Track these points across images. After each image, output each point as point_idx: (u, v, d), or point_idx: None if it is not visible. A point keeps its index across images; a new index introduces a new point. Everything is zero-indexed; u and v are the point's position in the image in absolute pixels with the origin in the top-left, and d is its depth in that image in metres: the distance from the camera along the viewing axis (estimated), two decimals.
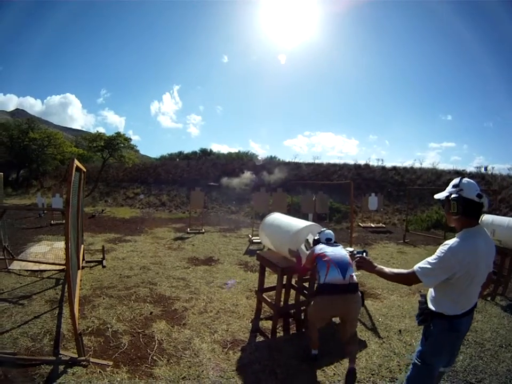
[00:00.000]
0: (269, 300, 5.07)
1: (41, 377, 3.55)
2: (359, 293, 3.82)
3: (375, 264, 2.73)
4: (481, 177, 20.46)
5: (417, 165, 24.14)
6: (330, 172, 23.85)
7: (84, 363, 3.78)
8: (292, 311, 5.30)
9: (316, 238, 4.32)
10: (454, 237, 2.47)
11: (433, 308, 2.53)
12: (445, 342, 2.52)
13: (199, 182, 20.77)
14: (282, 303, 5.12)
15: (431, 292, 2.60)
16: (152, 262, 8.20)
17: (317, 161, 26.69)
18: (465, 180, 2.50)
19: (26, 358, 3.84)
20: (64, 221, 4.38)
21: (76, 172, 5.07)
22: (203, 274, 7.42)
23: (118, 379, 3.58)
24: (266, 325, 5.06)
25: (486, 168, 22.39)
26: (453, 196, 2.46)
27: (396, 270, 2.64)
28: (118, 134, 24.78)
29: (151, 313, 5.30)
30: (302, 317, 5.16)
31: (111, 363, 3.87)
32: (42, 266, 7.19)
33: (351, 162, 25.12)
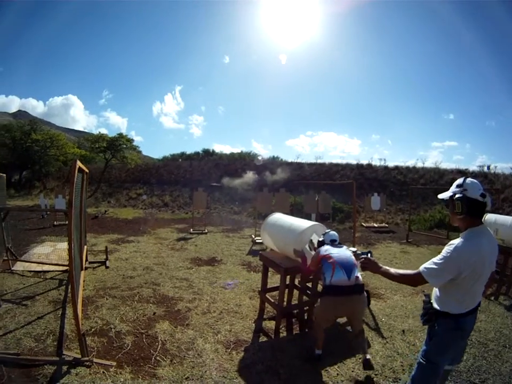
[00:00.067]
0: (272, 300, 5.07)
1: (45, 377, 3.56)
2: (365, 293, 3.83)
3: (380, 265, 2.74)
4: (484, 176, 20.43)
5: (419, 165, 24.17)
6: (333, 171, 23.84)
7: (87, 363, 3.78)
8: (295, 311, 5.29)
9: (320, 239, 4.32)
10: (457, 237, 2.49)
11: (437, 307, 2.54)
12: (450, 341, 2.53)
13: (201, 183, 20.77)
14: (285, 303, 5.12)
15: (435, 292, 2.61)
16: (155, 263, 8.20)
17: (319, 161, 26.72)
18: (469, 179, 2.50)
19: (29, 358, 3.85)
20: (67, 222, 4.38)
21: (79, 173, 5.07)
22: (206, 274, 7.42)
23: (122, 379, 3.58)
24: (270, 325, 5.06)
25: (488, 167, 22.39)
26: (457, 195, 2.46)
27: (401, 271, 2.66)
28: (120, 135, 24.84)
29: (154, 313, 5.30)
30: (305, 317, 5.16)
31: (114, 363, 3.87)
32: (46, 267, 7.20)
33: (354, 162, 25.14)
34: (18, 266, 7.30)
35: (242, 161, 27.73)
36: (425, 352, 2.61)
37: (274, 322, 4.93)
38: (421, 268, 2.48)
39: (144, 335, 4.58)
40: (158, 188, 24.04)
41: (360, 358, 4.10)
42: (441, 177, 21.24)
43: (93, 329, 4.67)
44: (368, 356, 3.86)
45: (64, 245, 8.34)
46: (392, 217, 17.80)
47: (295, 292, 5.48)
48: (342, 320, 4.90)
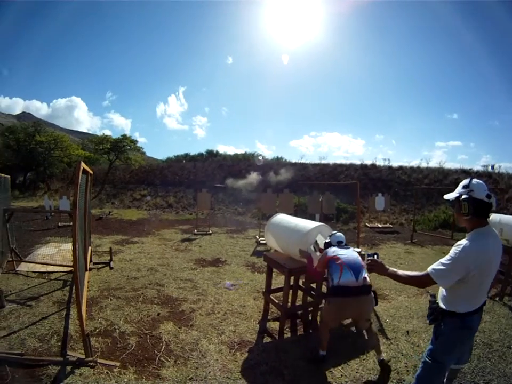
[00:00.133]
0: (276, 301, 5.06)
1: (49, 377, 3.56)
2: (372, 293, 3.82)
3: (387, 267, 2.74)
4: (488, 176, 20.36)
5: (423, 165, 24.10)
6: (337, 172, 23.80)
7: (91, 364, 3.79)
8: (299, 312, 5.29)
9: (327, 241, 4.31)
10: (462, 237, 2.52)
11: (444, 307, 2.56)
12: (456, 340, 2.54)
13: (205, 184, 20.77)
14: (289, 304, 5.11)
15: (441, 291, 2.62)
16: (159, 264, 8.20)
17: (323, 161, 26.71)
18: (475, 180, 2.51)
19: (33, 358, 3.86)
20: (71, 223, 4.38)
21: (83, 174, 5.08)
22: (210, 275, 7.41)
23: (125, 380, 3.58)
24: (274, 326, 5.04)
25: (493, 167, 22.31)
26: (463, 196, 2.48)
27: (409, 273, 2.66)
28: (124, 136, 24.82)
29: (158, 314, 5.30)
30: (310, 318, 5.15)
31: (118, 364, 3.87)
32: (50, 268, 7.21)
33: (358, 162, 25.11)
34: (23, 267, 7.32)
35: (246, 162, 27.72)
36: (431, 351, 2.62)
37: (278, 323, 4.91)
38: (429, 269, 2.49)
39: (148, 336, 4.59)
40: (162, 189, 24.07)
41: (364, 359, 4.12)
42: (445, 177, 21.18)
43: (97, 330, 4.68)
44: (381, 357, 3.88)
45: (69, 246, 8.38)
46: (396, 217, 17.75)
47: (299, 293, 5.47)
48: (347, 320, 4.89)
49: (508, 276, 6.39)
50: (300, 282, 5.50)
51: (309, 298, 5.30)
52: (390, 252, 10.39)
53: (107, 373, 3.69)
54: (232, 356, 4.17)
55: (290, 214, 6.67)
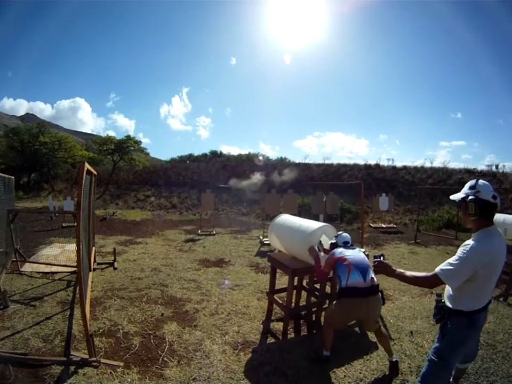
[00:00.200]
0: (280, 302, 5.04)
1: (52, 377, 3.56)
2: (379, 293, 3.81)
3: (394, 268, 2.75)
4: (492, 176, 20.34)
5: (427, 164, 24.09)
6: (341, 172, 23.79)
7: (94, 364, 3.79)
8: (303, 312, 5.27)
9: (332, 241, 4.29)
10: (466, 237, 2.56)
11: (450, 306, 2.59)
12: (463, 338, 2.57)
13: (209, 184, 20.76)
14: (293, 304, 5.10)
15: (448, 290, 2.64)
16: (163, 264, 8.21)
17: (327, 161, 26.70)
18: (481, 181, 2.55)
19: (37, 358, 3.86)
20: (75, 224, 4.39)
21: (87, 175, 5.09)
22: (214, 276, 7.41)
23: (129, 380, 3.58)
24: (277, 326, 5.04)
25: (497, 166, 22.27)
26: (470, 197, 2.52)
27: (417, 274, 2.67)
28: (128, 137, 24.85)
29: (162, 314, 5.30)
30: (313, 319, 5.14)
31: (121, 364, 3.87)
32: (54, 268, 7.23)
33: (361, 162, 25.13)
34: (27, 267, 7.33)
35: (250, 163, 27.71)
36: (437, 349, 2.64)
37: (282, 323, 4.90)
38: (437, 269, 2.51)
39: (151, 336, 4.58)
40: (166, 190, 24.11)
41: (367, 360, 4.11)
42: (449, 177, 21.16)
43: (100, 330, 4.68)
44: (392, 358, 3.89)
45: (73, 247, 8.38)
46: (400, 217, 17.71)
47: (303, 293, 5.47)
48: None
49: None
50: (304, 283, 5.49)
51: (312, 298, 5.29)
52: (394, 252, 10.36)
53: (110, 373, 3.69)
54: (235, 356, 4.16)
55: (294, 215, 6.66)
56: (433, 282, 2.54)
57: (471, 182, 2.59)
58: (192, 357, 4.10)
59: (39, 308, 5.36)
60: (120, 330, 4.70)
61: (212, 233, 12.98)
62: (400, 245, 11.64)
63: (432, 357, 2.65)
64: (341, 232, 4.43)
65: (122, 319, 5.07)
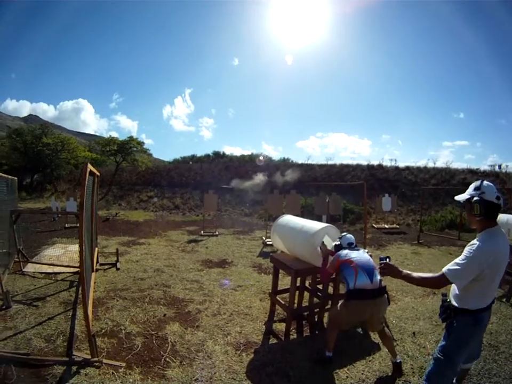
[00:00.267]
0: (283, 302, 5.04)
1: (54, 377, 3.57)
2: (385, 294, 3.81)
3: (401, 269, 2.78)
4: (495, 176, 20.29)
5: (430, 165, 24.02)
6: (344, 172, 23.76)
7: (96, 364, 3.79)
8: (305, 313, 5.27)
9: (337, 243, 4.28)
10: (470, 238, 2.62)
11: (456, 305, 2.64)
12: (468, 337, 2.62)
13: (212, 185, 20.75)
14: (295, 305, 5.10)
15: (453, 289, 2.69)
16: (166, 265, 8.21)
17: (329, 162, 26.69)
18: (485, 182, 2.61)
19: (39, 358, 3.86)
20: (78, 224, 4.39)
21: (90, 176, 5.10)
22: (217, 276, 7.41)
23: (131, 380, 3.58)
24: (280, 327, 5.02)
25: (500, 166, 22.24)
26: (475, 198, 2.57)
27: (424, 274, 2.71)
28: (131, 138, 24.85)
29: (164, 315, 5.30)
30: (316, 319, 5.13)
31: (124, 364, 3.87)
32: (57, 269, 7.24)
33: (364, 162, 25.05)
34: (30, 267, 7.34)
35: (253, 163, 27.73)
36: (443, 347, 2.70)
37: (284, 324, 4.89)
38: (444, 269, 2.54)
39: (154, 337, 4.58)
40: (168, 191, 24.13)
41: (370, 361, 4.11)
42: (452, 177, 21.11)
43: (103, 330, 4.69)
44: (396, 359, 3.88)
45: (75, 247, 8.41)
46: (403, 218, 17.69)
47: (306, 294, 5.46)
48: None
49: None
50: (306, 284, 5.48)
51: (315, 299, 5.28)
52: (397, 252, 10.34)
53: (112, 373, 3.69)
54: (238, 357, 4.16)
55: (297, 215, 6.66)
56: (440, 282, 2.57)
57: (476, 183, 2.63)
58: (194, 358, 4.09)
59: (41, 308, 5.37)
60: (123, 331, 4.70)
61: (214, 234, 12.98)
62: (403, 245, 11.62)
63: (438, 355, 2.69)
64: (345, 233, 4.42)
65: (125, 319, 5.07)
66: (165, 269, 7.79)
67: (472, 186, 2.66)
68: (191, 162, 32.36)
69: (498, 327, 5.08)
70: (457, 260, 2.51)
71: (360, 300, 3.66)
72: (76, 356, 3.93)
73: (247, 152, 42.22)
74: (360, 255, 3.94)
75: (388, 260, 2.85)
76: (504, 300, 6.16)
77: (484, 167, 23.63)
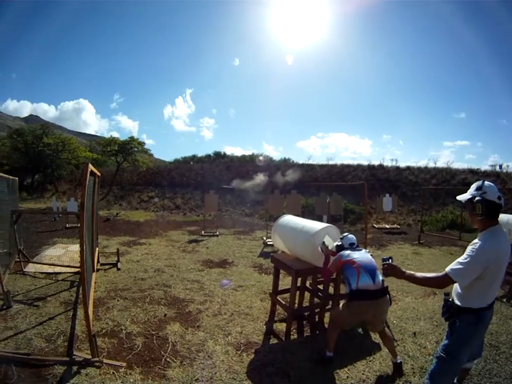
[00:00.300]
0: (283, 302, 5.04)
1: (55, 377, 3.57)
2: (388, 294, 3.81)
3: (404, 270, 2.81)
4: (496, 176, 20.27)
5: (431, 165, 23.98)
6: (344, 173, 23.75)
7: (97, 364, 3.79)
8: (306, 313, 5.27)
9: (338, 243, 4.27)
10: (471, 238, 2.63)
11: (459, 304, 2.67)
12: (471, 335, 2.66)
13: (213, 185, 20.74)
14: (296, 305, 5.09)
15: (456, 289, 2.72)
16: (166, 265, 8.21)
17: (330, 162, 26.65)
18: (487, 183, 2.65)
19: (40, 358, 3.87)
20: (79, 224, 4.40)
21: (90, 176, 5.10)
22: (217, 276, 7.41)
23: (131, 380, 3.58)
24: (280, 327, 5.02)
25: (501, 167, 22.21)
26: (477, 198, 2.60)
27: (427, 274, 2.75)
28: (132, 138, 24.86)
29: (165, 315, 5.30)
30: (316, 320, 5.13)
31: (124, 364, 3.87)
32: (57, 269, 7.24)
33: (365, 163, 25.00)
34: (30, 267, 7.35)
35: (254, 164, 27.71)
36: (446, 346, 2.72)
37: (285, 324, 4.89)
38: (447, 269, 2.58)
39: (154, 337, 4.58)
40: (169, 191, 24.12)
41: (370, 361, 4.11)
42: (453, 177, 21.09)
43: (103, 330, 4.69)
44: (396, 360, 3.90)
45: (76, 247, 8.41)
46: (404, 218, 17.68)
47: (306, 294, 5.45)
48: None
49: None
50: (307, 284, 5.48)
51: (315, 299, 5.27)
52: (397, 252, 10.32)
53: (113, 373, 3.69)
54: (238, 357, 4.16)
55: (298, 215, 6.66)
56: (444, 281, 2.59)
57: (478, 183, 2.67)
58: (194, 358, 4.09)
59: (42, 308, 5.38)
60: (123, 331, 4.70)
61: (215, 234, 12.98)
62: (404, 245, 11.61)
63: (441, 354, 2.72)
64: (346, 233, 4.41)
65: (125, 319, 5.07)
66: (165, 269, 7.80)
67: (473, 186, 2.69)
68: (192, 163, 32.36)
69: (498, 328, 5.08)
70: (460, 259, 2.54)
71: (362, 301, 3.65)
72: (77, 355, 3.93)
73: (248, 152, 42.24)
74: (362, 255, 3.94)
75: (390, 260, 2.86)
76: (504, 300, 6.16)
77: (485, 167, 23.60)
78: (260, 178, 20.26)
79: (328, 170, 24.44)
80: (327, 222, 7.89)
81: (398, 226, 15.66)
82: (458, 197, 2.82)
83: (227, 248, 10.48)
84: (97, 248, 7.70)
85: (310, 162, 27.39)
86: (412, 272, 2.77)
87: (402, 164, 24.06)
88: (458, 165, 33.91)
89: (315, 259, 4.56)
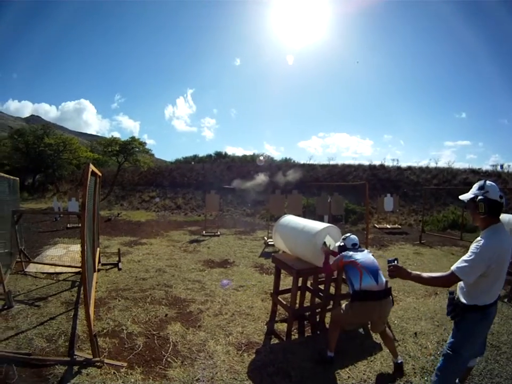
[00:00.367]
0: (284, 302, 5.04)
1: (55, 377, 3.57)
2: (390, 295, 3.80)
3: (409, 271, 2.82)
4: (497, 176, 20.25)
5: (432, 165, 23.99)
6: (345, 173, 23.74)
7: (98, 364, 3.79)
8: (307, 313, 5.26)
9: (341, 244, 4.26)
10: (472, 237, 2.65)
11: (464, 302, 2.72)
12: (477, 332, 2.72)
13: (214, 185, 20.74)
14: (297, 305, 5.09)
15: (461, 287, 2.77)
16: (167, 265, 8.21)
17: (331, 162, 26.66)
18: (489, 182, 2.70)
19: (41, 358, 3.87)
20: (80, 225, 4.40)
21: (92, 176, 5.10)
22: (218, 276, 7.40)
23: (132, 380, 3.58)
24: (281, 327, 5.02)
25: (502, 166, 22.21)
26: (479, 197, 2.65)
27: (433, 274, 2.78)
28: (133, 138, 24.89)
29: (166, 315, 5.30)
30: (317, 320, 5.12)
31: (125, 364, 3.87)
32: (58, 269, 7.25)
33: (366, 163, 25.00)
34: (31, 268, 7.35)
35: (255, 164, 27.69)
36: (452, 343, 2.77)
37: (286, 324, 4.90)
38: (453, 267, 2.61)
39: (155, 337, 4.58)
40: (170, 191, 24.12)
41: (371, 361, 4.10)
42: (454, 177, 21.08)
43: (104, 330, 4.69)
44: (397, 360, 3.90)
45: (77, 247, 8.41)
46: (405, 218, 17.66)
47: (307, 294, 5.45)
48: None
49: None
50: (308, 284, 5.48)
51: (317, 299, 5.27)
52: (398, 253, 10.30)
53: (114, 373, 3.69)
54: (239, 357, 4.15)
55: (299, 215, 6.65)
56: (450, 280, 2.63)
57: (480, 183, 2.72)
58: (195, 358, 4.09)
59: (43, 308, 5.38)
60: (124, 331, 4.70)
61: (216, 234, 12.99)
62: (405, 245, 11.59)
63: (448, 351, 2.76)
64: (348, 234, 4.39)
65: (126, 319, 5.07)
66: (166, 269, 7.80)
67: (476, 186, 2.73)
68: (193, 163, 32.37)
69: (500, 328, 5.07)
70: (465, 257, 2.58)
71: (365, 301, 3.65)
72: (78, 355, 3.93)
73: (249, 153, 42.23)
74: (365, 256, 3.93)
75: (396, 262, 2.86)
76: (506, 300, 6.14)
77: (486, 167, 23.60)
78: (261, 178, 20.25)
79: (329, 170, 24.44)
80: (328, 222, 7.89)
81: (399, 226, 15.64)
82: (461, 196, 2.86)
83: (228, 248, 10.48)
84: (98, 248, 7.70)
85: (311, 162, 27.43)
86: (418, 273, 2.79)
87: (403, 164, 24.09)
88: (459, 164, 33.92)
89: (316, 259, 4.56)
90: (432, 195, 18.77)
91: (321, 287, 5.23)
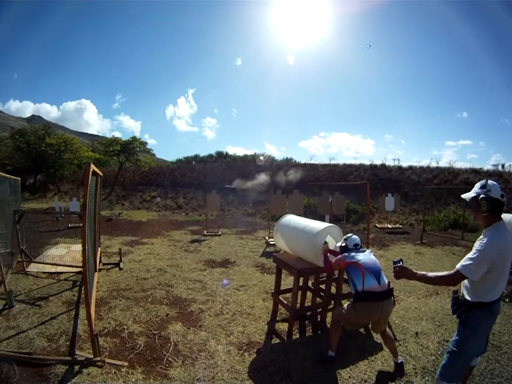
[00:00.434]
0: (285, 302, 5.04)
1: (56, 376, 3.57)
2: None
3: (415, 271, 2.85)
4: (498, 175, 20.24)
5: (433, 164, 24.04)
6: (347, 172, 23.76)
7: (99, 363, 3.79)
8: (308, 313, 5.26)
9: (342, 244, 4.25)
10: (473, 237, 2.64)
11: (469, 299, 2.75)
12: (482, 329, 2.78)
13: (215, 185, 20.77)
14: (298, 305, 5.09)
15: (466, 284, 2.81)
16: (168, 265, 8.21)
17: (333, 162, 26.72)
18: (490, 181, 2.76)
19: (41, 357, 3.86)
20: (81, 224, 4.39)
21: (93, 176, 5.10)
22: (220, 276, 7.40)
23: (133, 379, 3.58)
24: (282, 327, 5.01)
25: (503, 166, 22.24)
26: (482, 196, 2.71)
27: (439, 273, 2.81)
28: (134, 138, 24.93)
29: (167, 315, 5.29)
30: (318, 319, 5.12)
31: (126, 364, 3.87)
32: (59, 269, 7.25)
33: (367, 162, 25.09)
34: (33, 267, 7.36)
35: (256, 163, 27.73)
36: (458, 341, 2.81)
37: (287, 324, 4.90)
38: (458, 266, 2.66)
39: (156, 336, 4.58)
40: (171, 191, 24.15)
41: (372, 361, 4.10)
42: (455, 177, 21.07)
43: (105, 330, 4.69)
44: (397, 360, 3.91)
45: (78, 247, 8.41)
46: (406, 218, 17.64)
47: (308, 294, 5.45)
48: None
49: None
50: (309, 284, 5.47)
51: (318, 299, 5.27)
52: (399, 252, 10.28)
53: (115, 372, 3.69)
54: (240, 357, 4.15)
55: (300, 215, 6.64)
56: (456, 278, 2.69)
57: (482, 182, 2.78)
58: (196, 357, 4.09)
59: (44, 307, 5.38)
60: (125, 330, 4.70)
61: (217, 233, 12.99)
62: (406, 245, 11.57)
63: (453, 349, 2.80)
64: (350, 234, 4.37)
65: (127, 319, 5.07)
66: (167, 269, 7.80)
67: (478, 185, 2.79)
68: (194, 162, 32.44)
69: (501, 328, 5.05)
70: (469, 255, 2.63)
71: (368, 302, 3.65)
72: (78, 355, 3.93)
73: (250, 152, 42.26)
74: (367, 256, 3.92)
75: (401, 262, 2.88)
76: (507, 300, 6.13)
77: (487, 166, 23.68)
78: (262, 178, 20.27)
79: (330, 170, 24.45)
80: (329, 222, 7.88)
81: (400, 226, 15.62)
82: (463, 195, 2.92)
83: (229, 248, 10.49)
84: (99, 248, 7.71)
85: (312, 162, 27.53)
86: (424, 273, 2.83)
87: (404, 164, 24.17)
88: (460, 164, 33.98)
89: (317, 259, 4.55)
90: (433, 195, 18.76)
91: (322, 286, 5.23)
